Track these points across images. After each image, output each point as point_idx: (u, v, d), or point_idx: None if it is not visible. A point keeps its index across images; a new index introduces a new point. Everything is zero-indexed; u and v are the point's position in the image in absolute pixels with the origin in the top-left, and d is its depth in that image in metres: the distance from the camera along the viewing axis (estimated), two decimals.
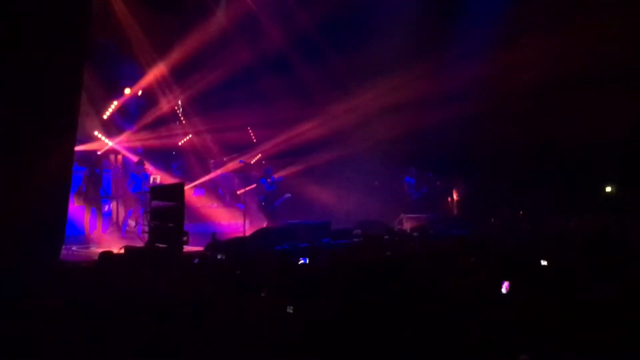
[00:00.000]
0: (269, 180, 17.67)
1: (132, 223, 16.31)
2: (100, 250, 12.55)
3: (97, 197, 15.73)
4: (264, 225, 17.12)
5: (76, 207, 15.16)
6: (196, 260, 10.25)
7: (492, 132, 17.51)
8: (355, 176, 19.50)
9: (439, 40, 18.17)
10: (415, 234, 14.48)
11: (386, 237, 12.39)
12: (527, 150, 17.05)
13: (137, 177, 16.20)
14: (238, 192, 19.40)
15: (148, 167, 17.75)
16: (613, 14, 15.09)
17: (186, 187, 15.09)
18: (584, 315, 5.25)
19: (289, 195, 18.83)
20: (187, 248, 11.87)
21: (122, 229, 16.17)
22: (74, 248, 13.77)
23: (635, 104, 14.76)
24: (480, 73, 17.42)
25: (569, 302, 5.42)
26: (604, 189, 17.74)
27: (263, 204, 17.77)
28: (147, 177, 16.56)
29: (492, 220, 17.36)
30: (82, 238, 15.03)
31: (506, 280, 6.09)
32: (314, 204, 19.19)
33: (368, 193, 19.42)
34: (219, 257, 10.31)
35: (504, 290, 6.04)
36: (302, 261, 9.46)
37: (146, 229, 13.45)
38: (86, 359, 5.50)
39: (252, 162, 19.35)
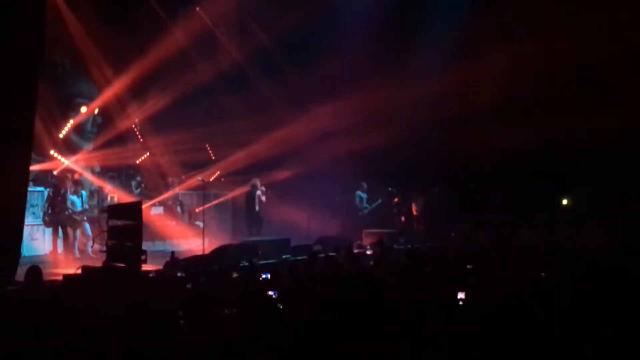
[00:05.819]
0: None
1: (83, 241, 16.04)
2: (56, 271, 12.40)
3: (63, 217, 15.44)
4: (223, 242, 16.95)
5: (30, 228, 14.89)
6: (152, 274, 10.18)
7: (450, 146, 17.75)
8: (315, 193, 19.51)
9: (397, 56, 18.44)
10: (372, 248, 14.59)
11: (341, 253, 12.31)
12: (485, 163, 17.28)
13: (75, 197, 15.88)
14: (197, 210, 19.23)
15: (107, 185, 17.62)
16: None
17: (144, 206, 14.93)
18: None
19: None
20: (145, 267, 11.73)
21: (74, 250, 15.84)
22: None
23: (597, 118, 15.04)
24: (438, 88, 17.65)
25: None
26: (560, 202, 18.11)
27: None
28: (84, 195, 16.30)
29: (452, 234, 17.54)
30: (37, 259, 14.71)
31: (462, 290, 6.18)
32: (273, 221, 19.14)
33: (328, 210, 19.45)
34: (178, 274, 10.25)
35: (460, 298, 6.12)
36: (264, 276, 9.44)
37: (98, 248, 13.26)
38: None
39: (210, 180, 19.22)
